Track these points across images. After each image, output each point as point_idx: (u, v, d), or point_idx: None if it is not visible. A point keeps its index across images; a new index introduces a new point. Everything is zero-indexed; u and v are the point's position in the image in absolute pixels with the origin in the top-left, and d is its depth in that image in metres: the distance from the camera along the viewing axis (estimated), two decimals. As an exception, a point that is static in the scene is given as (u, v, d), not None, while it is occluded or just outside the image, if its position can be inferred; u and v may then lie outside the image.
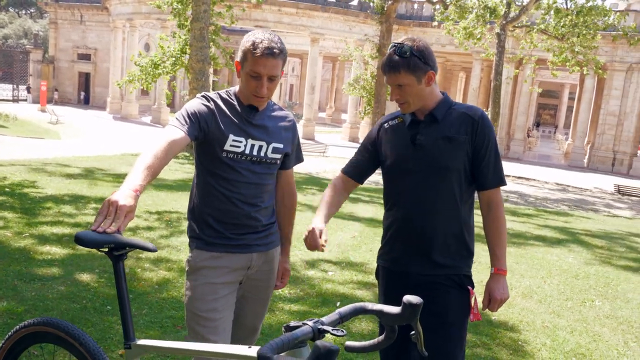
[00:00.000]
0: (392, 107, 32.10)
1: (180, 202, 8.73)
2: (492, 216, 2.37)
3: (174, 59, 19.47)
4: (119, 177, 11.07)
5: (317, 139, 33.52)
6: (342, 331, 1.36)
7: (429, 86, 2.32)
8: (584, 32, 20.28)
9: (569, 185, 23.14)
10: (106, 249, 1.84)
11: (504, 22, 21.22)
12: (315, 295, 4.99)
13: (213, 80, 22.66)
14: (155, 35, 29.59)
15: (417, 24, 34.79)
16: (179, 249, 5.95)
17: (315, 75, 35.31)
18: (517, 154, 33.27)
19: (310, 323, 1.39)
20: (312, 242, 2.26)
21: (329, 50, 45.48)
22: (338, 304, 4.82)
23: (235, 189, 2.36)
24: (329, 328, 1.38)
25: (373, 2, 22.36)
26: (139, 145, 20.90)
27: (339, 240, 7.35)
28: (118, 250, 1.86)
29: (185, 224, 7.24)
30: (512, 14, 21.23)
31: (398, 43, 2.28)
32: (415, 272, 2.35)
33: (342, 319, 1.49)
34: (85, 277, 4.78)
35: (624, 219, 14.07)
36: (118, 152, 18.06)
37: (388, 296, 2.44)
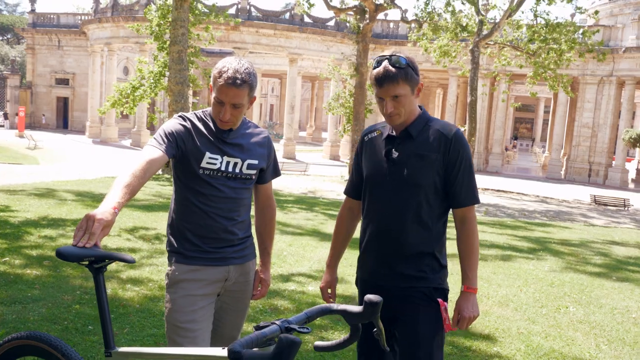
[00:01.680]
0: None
1: (157, 222, 8.78)
2: (464, 234, 2.40)
3: (152, 81, 19.57)
4: (100, 201, 11.06)
5: (298, 158, 33.69)
6: (308, 329, 1.46)
7: (416, 98, 2.39)
8: (556, 48, 20.79)
9: (547, 197, 23.53)
10: (86, 262, 1.93)
11: (477, 39, 21.70)
12: (293, 309, 5.08)
13: (192, 102, 22.78)
14: (134, 58, 29.64)
15: (393, 42, 35.34)
16: (159, 268, 6.00)
17: (295, 94, 35.61)
18: (496, 168, 33.74)
19: (278, 322, 1.50)
20: (324, 299, 2.67)
21: (307, 69, 45.90)
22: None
23: (213, 203, 2.45)
24: (295, 326, 1.49)
25: (349, 22, 22.72)
26: (119, 168, 20.86)
27: (318, 257, 7.44)
28: (98, 263, 1.95)
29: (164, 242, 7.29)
30: (484, 32, 21.72)
31: (389, 55, 2.30)
32: (386, 285, 2.38)
33: (309, 319, 1.60)
34: (66, 297, 4.82)
35: (600, 228, 14.35)
36: (98, 175, 18.00)
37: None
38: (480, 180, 16.47)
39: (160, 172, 17.91)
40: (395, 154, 2.38)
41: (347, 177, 22.24)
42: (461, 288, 2.39)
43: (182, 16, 17.27)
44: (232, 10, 32.28)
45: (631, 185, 31.45)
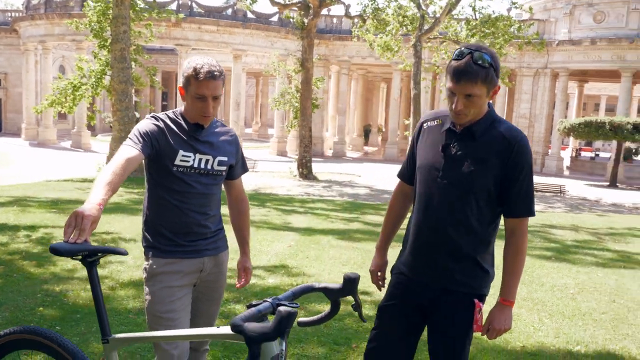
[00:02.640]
0: (317, 120, 32.71)
1: (111, 224, 8.73)
2: (512, 246, 2.31)
3: (94, 80, 19.14)
4: (48, 204, 10.85)
5: (245, 155, 33.50)
6: (296, 304, 1.64)
7: (491, 99, 2.28)
8: (494, 41, 21.59)
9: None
10: (80, 257, 2.04)
11: (419, 34, 22.25)
12: (252, 299, 5.22)
13: (135, 101, 22.43)
14: (70, 57, 28.78)
15: (337, 37, 35.70)
16: (119, 268, 6.03)
17: (240, 91, 35.48)
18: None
19: (269, 300, 1.68)
20: (373, 282, 2.69)
21: (251, 65, 45.73)
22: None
23: (186, 199, 2.58)
24: (286, 302, 1.66)
25: (293, 18, 22.86)
26: (63, 170, 20.34)
27: (275, 251, 7.60)
28: (91, 257, 2.07)
29: (122, 244, 7.29)
30: (426, 27, 22.30)
31: (474, 49, 2.16)
32: (424, 280, 2.37)
33: (295, 296, 1.78)
34: (28, 301, 4.80)
35: (538, 213, 15.09)
36: (40, 178, 17.51)
37: (393, 294, 2.49)
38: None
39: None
40: (452, 150, 2.28)
41: (295, 172, 22.42)
42: (498, 298, 2.34)
43: (123, 13, 16.97)
44: (173, 6, 31.82)
45: (566, 172, 32.96)
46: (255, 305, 1.65)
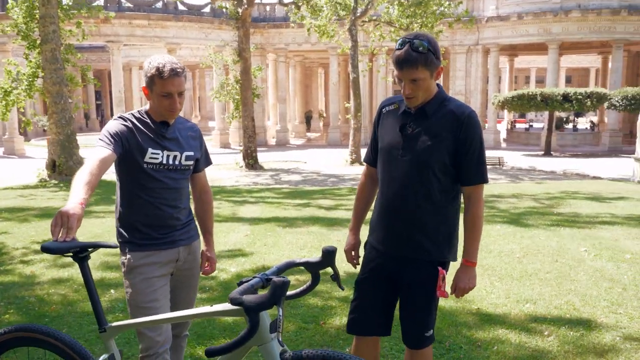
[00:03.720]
0: (258, 109, 32.61)
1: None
2: (470, 211, 2.51)
3: (26, 83, 18.46)
4: (-10, 213, 10.52)
5: (188, 149, 33.15)
6: (285, 277, 1.80)
7: (436, 80, 2.45)
8: (425, 21, 22.10)
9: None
10: (71, 254, 2.12)
11: (353, 17, 22.51)
12: (220, 289, 5.35)
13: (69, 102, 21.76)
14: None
15: (272, 25, 35.57)
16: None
17: (178, 85, 34.87)
18: (382, 140, 35.26)
19: (258, 276, 1.83)
20: (349, 260, 2.85)
21: (186, 59, 44.96)
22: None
23: (158, 194, 2.70)
24: (273, 277, 1.82)
25: (226, 8, 22.68)
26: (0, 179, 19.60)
27: (233, 240, 7.70)
28: (82, 253, 2.16)
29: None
30: (360, 10, 22.58)
31: (412, 38, 2.33)
32: (395, 253, 2.55)
33: (280, 272, 1.94)
34: (-10, 311, 4.77)
35: (490, 186, 15.70)
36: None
37: (366, 268, 2.68)
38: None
39: (47, 178, 17.09)
40: (409, 130, 2.47)
41: (241, 163, 22.39)
42: (461, 260, 2.56)
43: (50, 12, 16.44)
44: (101, 2, 30.89)
45: (503, 145, 34.21)
46: (246, 282, 1.80)
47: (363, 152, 19.26)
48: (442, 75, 27.37)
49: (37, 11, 16.89)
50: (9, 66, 19.26)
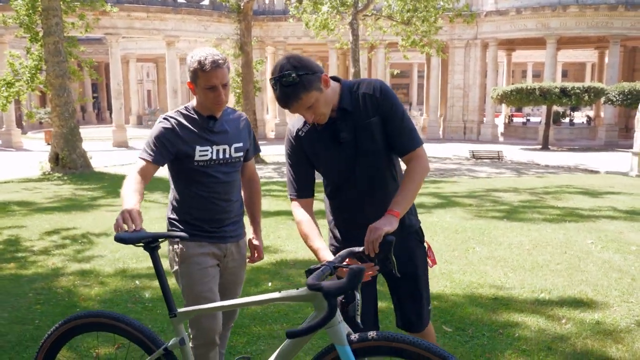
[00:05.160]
0: (257, 103, 32.67)
1: (75, 221, 8.71)
2: (408, 167, 2.45)
3: (28, 76, 18.48)
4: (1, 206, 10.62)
5: (187, 142, 33.22)
6: (361, 265, 1.92)
7: (328, 87, 2.35)
8: (426, 15, 22.20)
9: (431, 157, 25.25)
10: (142, 244, 2.25)
11: (354, 11, 22.58)
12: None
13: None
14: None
15: (271, 18, 35.61)
16: (101, 262, 6.13)
17: (176, 78, 34.88)
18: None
19: (325, 264, 1.97)
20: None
21: (184, 51, 44.87)
22: (269, 284, 5.38)
23: (211, 189, 2.75)
24: (340, 265, 1.96)
25: (227, 1, 22.69)
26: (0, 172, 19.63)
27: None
28: (153, 243, 2.28)
29: (93, 239, 7.34)
30: (360, 4, 22.65)
31: (278, 75, 2.22)
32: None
33: (343, 260, 2.07)
34: (22, 300, 4.89)
35: (483, 179, 15.88)
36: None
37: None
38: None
39: (50, 171, 17.12)
40: (343, 134, 2.41)
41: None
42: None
43: (53, 5, 16.45)
44: (100, -5, 30.78)
45: (501, 139, 34.37)
46: (316, 270, 1.94)
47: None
48: (439, 70, 27.32)
49: (40, 3, 16.89)
50: (11, 58, 19.26)
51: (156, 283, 5.32)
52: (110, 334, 2.34)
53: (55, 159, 17.33)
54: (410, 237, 2.61)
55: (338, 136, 2.41)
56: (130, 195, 2.42)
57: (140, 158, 2.66)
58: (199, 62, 2.55)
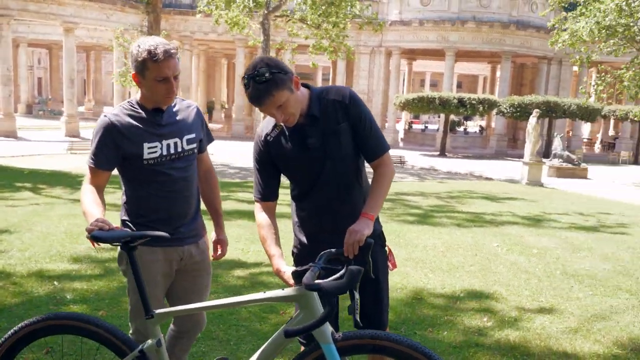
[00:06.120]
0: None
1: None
2: (378, 171, 2.51)
3: None
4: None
5: (83, 135, 31.61)
6: (359, 266, 1.96)
7: (298, 89, 2.39)
8: (337, 20, 22.62)
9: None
10: (119, 243, 2.16)
11: (266, 11, 22.56)
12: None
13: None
14: None
15: (177, 12, 34.78)
16: (8, 261, 5.74)
17: (74, 67, 33.04)
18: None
19: (312, 264, 2.01)
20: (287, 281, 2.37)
21: (83, 39, 42.66)
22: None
23: (166, 188, 2.55)
24: (328, 266, 2.02)
25: (134, -9, 21.90)
26: None
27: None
28: (132, 243, 2.19)
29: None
30: (272, 5, 22.67)
31: (251, 74, 2.26)
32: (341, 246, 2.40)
33: (326, 261, 2.12)
34: None
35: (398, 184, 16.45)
36: None
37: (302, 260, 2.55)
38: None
39: None
40: (311, 140, 2.45)
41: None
42: (361, 215, 2.41)
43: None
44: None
45: (401, 144, 35.74)
46: (301, 271, 1.98)
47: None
48: (345, 76, 27.89)
49: None
50: None
51: (77, 284, 5.10)
52: (76, 336, 2.22)
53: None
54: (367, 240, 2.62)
55: (306, 142, 2.46)
56: (91, 209, 2.32)
57: (88, 166, 2.51)
58: (149, 52, 2.35)
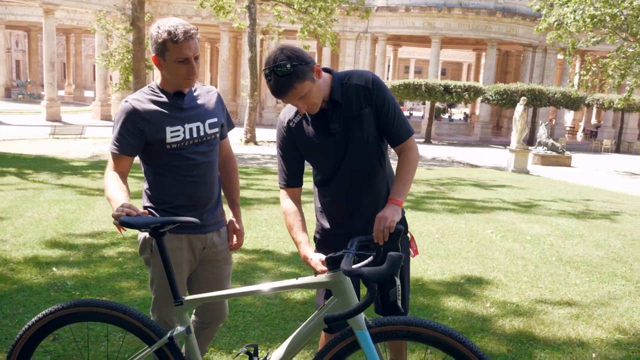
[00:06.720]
0: (146, 82, 31.30)
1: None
2: (402, 158, 2.49)
3: None
4: None
5: (64, 120, 31.15)
6: (400, 252, 1.95)
7: (320, 77, 2.37)
8: (324, 5, 22.46)
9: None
10: (149, 229, 2.12)
11: (252, -5, 22.30)
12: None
13: None
14: None
15: (160, -6, 34.21)
16: (2, 247, 5.64)
17: (54, 50, 32.44)
18: (271, 121, 35.46)
19: (347, 250, 1.99)
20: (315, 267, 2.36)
21: (62, 21, 41.86)
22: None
23: (190, 173, 2.51)
24: (361, 252, 2.00)
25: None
26: None
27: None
28: (161, 228, 2.15)
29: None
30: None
31: (272, 67, 2.24)
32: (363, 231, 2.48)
33: (358, 248, 2.11)
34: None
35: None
36: None
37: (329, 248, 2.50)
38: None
39: None
40: (333, 125, 2.44)
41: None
42: (388, 201, 2.42)
43: None
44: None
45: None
46: (336, 257, 1.97)
47: (258, 131, 19.57)
48: (330, 61, 27.79)
49: None
50: None
51: (76, 270, 5.03)
52: (104, 324, 2.18)
53: None
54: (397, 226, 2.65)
55: (328, 127, 2.44)
56: (116, 195, 2.29)
57: (111, 152, 2.46)
58: (169, 33, 2.31)
